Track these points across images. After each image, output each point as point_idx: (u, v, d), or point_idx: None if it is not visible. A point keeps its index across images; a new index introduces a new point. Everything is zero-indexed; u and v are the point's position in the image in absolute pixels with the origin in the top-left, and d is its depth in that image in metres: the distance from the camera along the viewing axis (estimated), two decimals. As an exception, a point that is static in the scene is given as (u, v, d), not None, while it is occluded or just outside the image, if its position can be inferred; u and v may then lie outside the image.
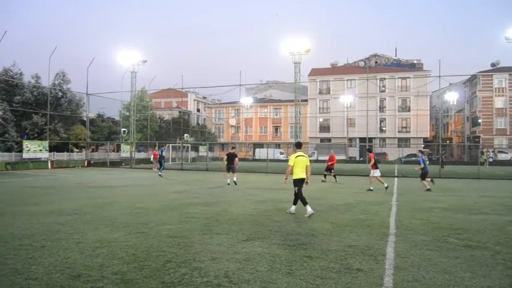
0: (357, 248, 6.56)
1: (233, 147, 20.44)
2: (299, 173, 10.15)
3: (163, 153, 28.44)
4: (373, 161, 17.61)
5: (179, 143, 49.37)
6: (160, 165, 26.32)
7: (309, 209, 9.87)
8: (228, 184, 18.49)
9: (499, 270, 5.51)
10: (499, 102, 63.85)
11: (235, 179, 18.66)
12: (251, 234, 7.61)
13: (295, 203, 10.36)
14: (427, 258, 6.07)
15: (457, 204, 12.65)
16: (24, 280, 4.80)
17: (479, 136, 63.53)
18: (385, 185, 17.17)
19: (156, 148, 36.10)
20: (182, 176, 26.07)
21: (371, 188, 17.10)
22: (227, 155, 19.54)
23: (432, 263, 5.77)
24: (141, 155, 49.47)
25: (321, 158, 46.38)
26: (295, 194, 10.23)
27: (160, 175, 24.90)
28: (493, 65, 66.55)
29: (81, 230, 7.80)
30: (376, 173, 17.40)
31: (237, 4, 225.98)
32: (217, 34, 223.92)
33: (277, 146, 64.36)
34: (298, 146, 10.97)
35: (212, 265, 5.49)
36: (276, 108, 75.16)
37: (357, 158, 55.70)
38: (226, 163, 19.12)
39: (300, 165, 10.17)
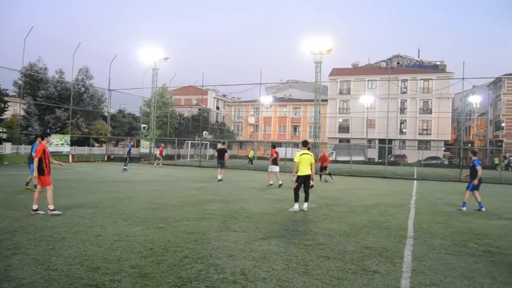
0: (374, 250, 6.51)
1: (223, 143, 21.48)
2: (304, 170, 10.56)
3: (131, 149, 29.04)
4: (274, 156, 17.99)
5: (198, 140, 49.64)
6: (126, 160, 26.70)
7: (296, 206, 10.37)
8: (219, 180, 19.08)
9: (519, 277, 5.40)
10: (523, 106, 62.40)
11: (220, 176, 19.42)
12: (268, 232, 7.61)
13: (300, 200, 10.62)
14: (445, 262, 5.98)
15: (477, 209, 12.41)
16: (44, 270, 4.90)
17: (502, 140, 62.21)
18: (270, 182, 17.70)
19: (162, 145, 36.70)
20: (200, 172, 26.21)
21: (271, 183, 17.65)
22: (217, 150, 20.56)
23: (450, 268, 5.69)
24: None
25: (339, 158, 46.10)
26: (297, 190, 10.54)
27: (125, 169, 25.32)
28: (518, 67, 65.07)
29: (101, 223, 7.93)
30: (275, 169, 17.78)
31: (259, 3, 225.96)
32: (239, 33, 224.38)
33: (296, 145, 64.07)
34: (305, 144, 11.36)
35: (228, 262, 5.52)
36: (296, 108, 74.99)
37: (376, 160, 55.20)
38: (217, 158, 20.03)
39: (305, 162, 10.58)
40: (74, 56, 35.74)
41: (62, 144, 34.69)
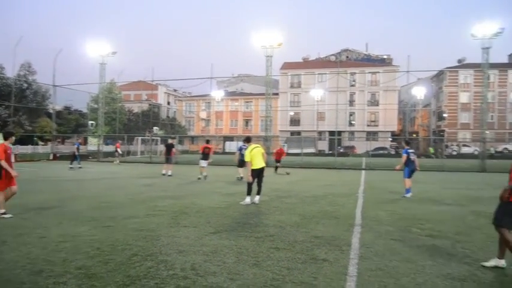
0: (323, 239, 6.66)
1: (173, 138, 22.08)
2: (258, 163, 10.66)
3: (79, 147, 28.24)
4: (202, 150, 18.68)
5: (148, 136, 48.73)
6: (76, 158, 26.16)
7: (247, 199, 10.48)
8: (163, 174, 19.64)
9: (458, 258, 5.71)
10: (463, 97, 65.97)
11: (169, 172, 19.87)
12: (219, 226, 7.60)
13: (253, 193, 10.67)
14: (391, 247, 6.22)
15: (421, 196, 13.01)
16: (-18, 276, 4.65)
17: (444, 130, 65.44)
18: (204, 173, 18.15)
19: (120, 141, 35.91)
20: (151, 169, 25.74)
21: (199, 177, 18.05)
22: (165, 145, 21.13)
23: (395, 252, 5.93)
24: (109, 148, 48.60)
25: (290, 151, 46.72)
26: (251, 184, 10.57)
27: (72, 168, 24.88)
28: (459, 61, 68.55)
29: (45, 224, 7.61)
30: (204, 163, 18.30)
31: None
32: (189, 27, 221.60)
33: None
34: (248, 140, 12.20)
35: (179, 258, 5.46)
36: (247, 102, 75.23)
37: (326, 151, 56.43)
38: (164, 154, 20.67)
39: (258, 156, 10.69)
40: (16, 50, 34.02)
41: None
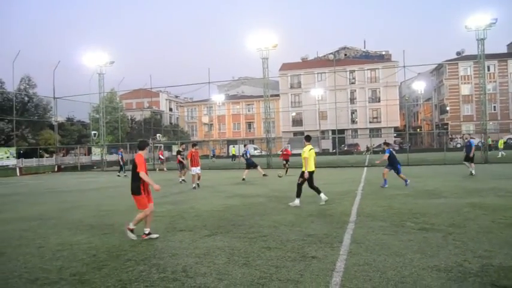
0: (316, 237, 6.76)
1: (181, 144, 24.15)
2: (313, 166, 10.69)
3: (122, 156, 28.30)
4: (190, 157, 16.73)
5: (151, 143, 48.92)
6: (121, 168, 26.91)
7: (297, 201, 10.45)
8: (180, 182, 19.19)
9: (447, 250, 5.77)
10: (465, 90, 65.72)
11: (180, 178, 19.70)
12: (214, 229, 7.71)
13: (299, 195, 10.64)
14: (381, 242, 6.30)
15: (419, 190, 13.06)
16: (-21, 287, 4.79)
17: (448, 123, 65.22)
18: (197, 182, 16.47)
19: (162, 147, 36.65)
20: (153, 176, 25.87)
21: (194, 186, 16.23)
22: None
23: (385, 247, 6.01)
24: (113, 157, 48.84)
25: (294, 151, 46.79)
26: (298, 186, 10.69)
27: (119, 175, 25.36)
28: (458, 53, 68.34)
29: (44, 234, 7.76)
30: (195, 171, 16.38)
31: (206, 1, 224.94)
32: (186, 32, 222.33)
33: (251, 141, 64.45)
34: (308, 139, 11.22)
35: (171, 261, 5.58)
36: (249, 104, 75.38)
37: (330, 150, 56.46)
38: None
39: (313, 157, 10.73)
40: (14, 65, 34.30)
41: (8, 157, 33.25)
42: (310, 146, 10.79)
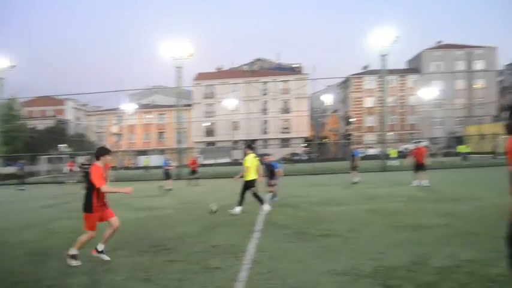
0: (221, 248, 6.73)
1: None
2: (254, 175, 10.67)
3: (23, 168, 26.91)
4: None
5: (55, 154, 45.91)
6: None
7: (237, 209, 10.44)
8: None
9: (345, 254, 6.06)
10: (368, 102, 70.48)
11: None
12: (116, 244, 7.33)
13: (241, 204, 10.64)
14: (285, 250, 6.45)
15: (324, 198, 13.65)
16: None
17: (351, 134, 69.35)
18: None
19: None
20: (55, 189, 24.25)
21: None
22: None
23: (288, 254, 6.16)
24: (10, 170, 44.87)
25: (206, 161, 46.67)
26: (241, 195, 10.70)
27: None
28: (364, 67, 73.32)
29: None
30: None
31: (121, 7, 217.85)
32: (99, 39, 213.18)
33: (162, 152, 63.22)
34: (250, 147, 11.22)
35: (66, 280, 5.22)
36: (161, 114, 73.77)
37: (241, 160, 57.14)
38: None
39: (255, 166, 10.71)
40: None
41: None
42: (253, 155, 10.93)
